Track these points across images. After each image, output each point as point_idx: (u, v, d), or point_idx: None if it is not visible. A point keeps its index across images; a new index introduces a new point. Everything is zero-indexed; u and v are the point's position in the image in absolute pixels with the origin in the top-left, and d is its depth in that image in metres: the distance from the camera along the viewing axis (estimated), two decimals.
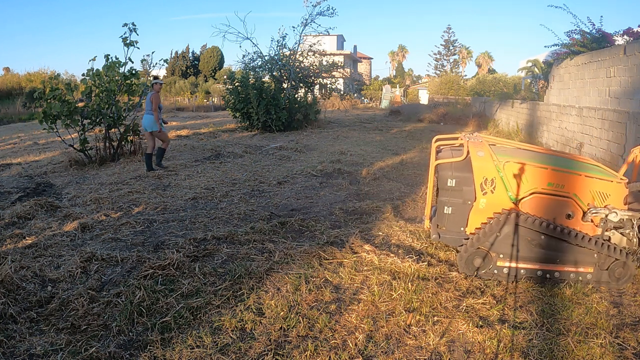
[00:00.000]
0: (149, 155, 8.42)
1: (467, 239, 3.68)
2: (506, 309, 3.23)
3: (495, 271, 3.61)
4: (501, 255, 3.58)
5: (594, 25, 9.94)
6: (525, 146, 4.25)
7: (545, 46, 28.77)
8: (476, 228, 3.65)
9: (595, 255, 3.50)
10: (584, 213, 3.56)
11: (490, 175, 3.56)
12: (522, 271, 3.59)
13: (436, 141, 4.23)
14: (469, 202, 3.65)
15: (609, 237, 3.55)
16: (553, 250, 3.53)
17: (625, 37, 9.40)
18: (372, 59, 64.23)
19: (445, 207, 3.71)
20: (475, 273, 3.65)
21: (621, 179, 3.61)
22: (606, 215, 3.48)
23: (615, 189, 3.57)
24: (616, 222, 3.48)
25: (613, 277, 3.53)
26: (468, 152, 3.68)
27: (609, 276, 3.54)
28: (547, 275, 3.58)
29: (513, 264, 3.58)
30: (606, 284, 3.56)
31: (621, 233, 3.53)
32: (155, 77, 8.85)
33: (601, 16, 14.44)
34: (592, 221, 3.56)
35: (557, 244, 3.52)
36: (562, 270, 3.57)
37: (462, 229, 3.72)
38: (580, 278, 3.56)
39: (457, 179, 3.63)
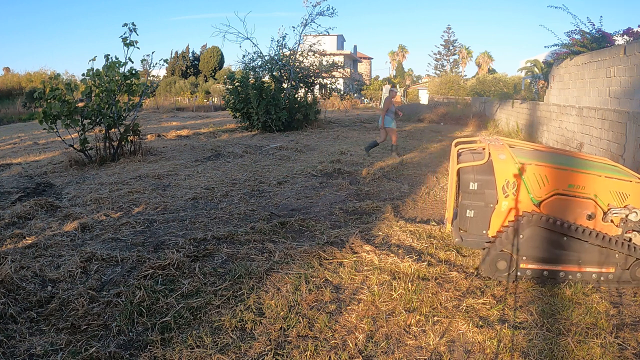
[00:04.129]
0: (375, 143, 10.48)
1: (489, 241, 3.68)
2: (506, 309, 3.23)
3: (519, 273, 3.61)
4: (524, 258, 3.57)
5: (594, 25, 9.94)
6: (542, 147, 4.27)
7: (545, 46, 28.77)
8: (498, 231, 3.65)
9: (617, 255, 3.51)
10: (604, 213, 3.57)
11: (512, 178, 3.57)
12: (545, 273, 3.59)
13: (456, 145, 4.23)
14: (491, 205, 3.65)
15: (630, 238, 3.57)
16: (575, 252, 3.54)
17: (625, 37, 9.40)
18: (372, 59, 64.27)
19: (468, 210, 3.71)
20: (499, 276, 3.65)
21: (639, 178, 3.62)
22: (626, 216, 3.50)
23: (634, 189, 3.58)
24: (636, 222, 3.49)
25: (634, 277, 3.55)
26: (490, 155, 3.69)
27: (630, 275, 3.55)
28: (570, 277, 3.58)
29: (536, 266, 3.58)
30: (627, 284, 3.58)
31: None
32: (393, 85, 11.68)
33: (601, 16, 14.44)
34: (612, 221, 3.57)
35: (579, 245, 3.53)
36: (583, 271, 3.57)
37: (484, 231, 3.72)
38: (602, 278, 3.57)
39: (479, 182, 3.64)
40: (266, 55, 18.30)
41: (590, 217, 3.58)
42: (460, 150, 4.17)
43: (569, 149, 9.30)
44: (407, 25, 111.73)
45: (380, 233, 4.78)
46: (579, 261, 3.55)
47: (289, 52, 18.41)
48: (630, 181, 3.60)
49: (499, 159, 3.62)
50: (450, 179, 4.06)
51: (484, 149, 3.85)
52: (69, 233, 4.88)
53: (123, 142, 9.79)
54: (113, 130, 9.66)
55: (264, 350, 2.71)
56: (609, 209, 3.55)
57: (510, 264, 3.61)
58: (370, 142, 10.46)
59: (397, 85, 12.31)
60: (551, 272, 3.58)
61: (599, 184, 3.55)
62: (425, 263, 3.90)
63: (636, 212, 3.46)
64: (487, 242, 3.70)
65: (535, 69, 14.49)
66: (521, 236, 3.53)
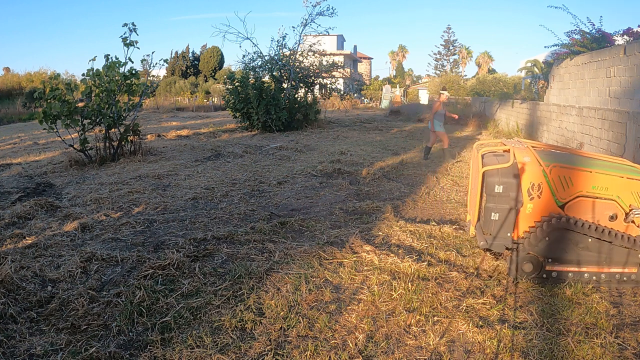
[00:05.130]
0: (428, 148, 9.94)
1: (515, 244, 3.68)
2: (506, 309, 3.23)
3: (544, 275, 3.62)
4: (550, 260, 3.58)
5: (593, 25, 9.94)
6: (562, 149, 4.28)
7: (545, 46, 28.80)
8: (524, 231, 3.65)
9: (639, 255, 3.53)
10: (626, 214, 3.60)
11: (537, 180, 3.58)
12: (570, 274, 3.60)
13: (478, 148, 4.22)
14: (516, 208, 3.65)
15: None
16: (599, 253, 3.55)
17: (625, 37, 9.40)
18: (372, 59, 64.28)
19: (493, 213, 3.70)
20: (525, 278, 3.64)
21: None
22: None
23: None
24: None
25: None
26: (514, 158, 3.69)
27: None
28: (594, 278, 3.59)
29: (561, 268, 3.59)
30: None
31: None
32: (443, 88, 10.57)
33: (601, 16, 14.44)
34: (633, 222, 3.60)
35: (603, 246, 3.54)
36: (608, 272, 3.58)
37: (509, 234, 3.71)
38: (624, 278, 3.59)
39: (504, 185, 3.63)
40: (266, 55, 18.32)
41: (612, 218, 3.61)
42: (483, 153, 4.17)
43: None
44: (407, 25, 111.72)
45: (380, 233, 4.78)
46: (604, 262, 3.57)
47: (289, 52, 18.41)
48: None
49: (524, 161, 3.63)
50: (473, 182, 4.05)
51: (507, 151, 3.86)
52: (69, 233, 4.88)
53: (123, 142, 9.79)
54: (113, 130, 9.66)
55: (264, 350, 2.71)
56: (630, 210, 3.58)
57: (536, 267, 3.61)
58: (424, 148, 10.07)
59: (446, 88, 11.00)
60: (576, 274, 3.60)
61: (621, 185, 3.59)
62: (425, 263, 3.90)
63: None
64: (512, 245, 3.69)
65: (535, 69, 14.50)
66: (547, 238, 3.54)
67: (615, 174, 3.63)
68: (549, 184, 3.58)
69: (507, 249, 3.75)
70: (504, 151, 4.08)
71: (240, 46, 73.46)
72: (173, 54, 58.74)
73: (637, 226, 3.60)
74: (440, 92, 10.46)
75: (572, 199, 3.61)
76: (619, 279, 3.59)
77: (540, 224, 3.58)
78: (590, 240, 3.53)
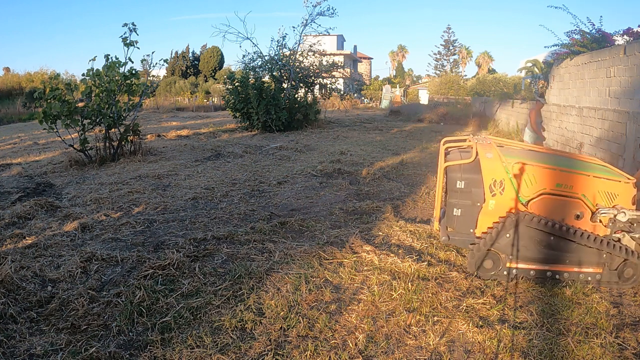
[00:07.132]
0: None
1: (477, 240, 3.67)
2: (506, 309, 3.23)
3: (505, 272, 3.60)
4: (511, 257, 3.57)
5: (593, 25, 9.93)
6: (533, 147, 4.26)
7: (545, 46, 28.80)
8: (488, 227, 3.64)
9: (604, 255, 3.50)
10: (593, 213, 3.57)
11: (499, 177, 3.56)
12: (531, 272, 3.58)
13: (444, 143, 4.22)
14: (478, 204, 3.64)
15: (619, 238, 3.55)
16: (562, 251, 3.53)
17: (625, 37, 9.39)
18: (372, 59, 64.25)
19: (455, 209, 3.71)
20: (486, 275, 3.64)
21: (628, 179, 3.62)
22: (614, 216, 3.48)
23: (623, 189, 3.58)
24: (624, 222, 3.48)
25: (622, 277, 3.53)
26: (477, 154, 3.68)
27: (618, 276, 3.53)
28: (557, 276, 3.57)
29: (523, 265, 3.58)
30: (615, 285, 3.56)
31: (631, 237, 3.53)
32: (541, 95, 9.37)
33: (601, 16, 14.41)
34: (600, 221, 3.56)
35: (566, 244, 3.52)
36: (571, 271, 3.56)
37: (471, 230, 3.71)
38: (589, 278, 3.55)
39: (466, 181, 3.63)
40: (266, 55, 18.32)
41: (578, 217, 3.58)
42: (448, 149, 4.17)
43: (568, 149, 9.30)
44: (407, 25, 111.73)
45: (380, 233, 4.78)
46: (567, 261, 3.54)
47: (289, 52, 18.41)
48: (619, 181, 3.59)
49: (486, 157, 3.61)
50: (438, 178, 4.06)
51: (471, 147, 3.85)
52: (69, 233, 4.87)
53: (123, 142, 9.78)
54: (113, 130, 9.66)
55: (264, 350, 2.71)
56: (597, 209, 3.54)
57: (497, 263, 3.60)
58: None
59: (542, 95, 9.82)
60: (538, 272, 3.58)
61: (587, 183, 3.55)
62: (425, 263, 3.90)
63: (624, 212, 3.45)
64: (475, 240, 3.69)
65: (535, 69, 14.48)
66: (507, 235, 3.52)
67: (581, 172, 3.59)
68: (512, 180, 3.56)
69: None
70: (469, 147, 4.06)
71: (240, 46, 73.57)
72: (173, 54, 58.78)
73: (605, 226, 3.56)
74: (537, 98, 9.60)
75: (536, 196, 3.57)
76: (583, 279, 3.55)
77: (501, 220, 3.57)
78: (552, 238, 3.50)
